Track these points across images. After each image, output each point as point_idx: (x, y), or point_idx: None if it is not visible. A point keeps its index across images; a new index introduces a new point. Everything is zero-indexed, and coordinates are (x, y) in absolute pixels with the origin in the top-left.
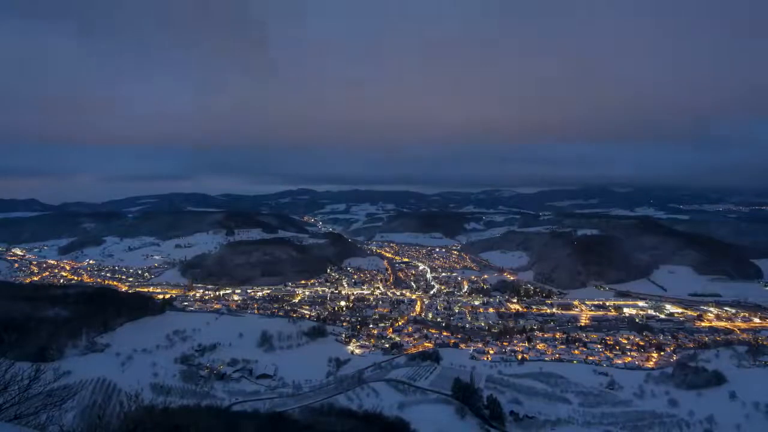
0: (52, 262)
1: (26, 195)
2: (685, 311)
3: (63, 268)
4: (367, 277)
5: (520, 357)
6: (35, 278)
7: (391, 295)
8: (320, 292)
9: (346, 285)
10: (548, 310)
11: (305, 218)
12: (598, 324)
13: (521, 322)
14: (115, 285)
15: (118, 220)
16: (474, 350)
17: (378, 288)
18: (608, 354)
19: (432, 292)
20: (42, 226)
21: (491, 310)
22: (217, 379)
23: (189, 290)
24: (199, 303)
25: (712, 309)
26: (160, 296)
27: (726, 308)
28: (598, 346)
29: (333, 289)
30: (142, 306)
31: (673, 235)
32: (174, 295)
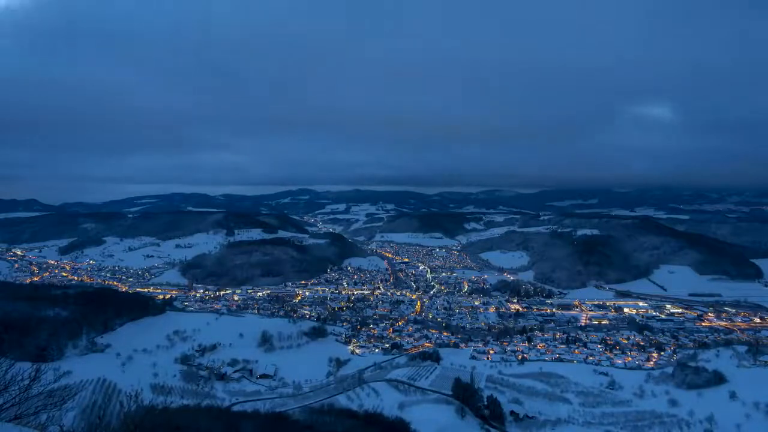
0: (52, 262)
1: (26, 195)
2: (685, 311)
3: (63, 269)
4: (367, 277)
5: (520, 357)
6: (35, 278)
7: (391, 295)
8: (320, 292)
9: (346, 285)
10: (548, 310)
11: (305, 218)
12: (598, 324)
13: (521, 322)
14: (115, 285)
15: (118, 220)
16: (474, 350)
17: (378, 288)
18: (608, 354)
19: (432, 292)
20: (42, 226)
21: (491, 310)
22: (218, 380)
23: (189, 290)
24: (199, 303)
25: (712, 309)
26: (161, 296)
27: (726, 308)
28: (598, 346)
29: (333, 289)
30: (142, 306)
31: (673, 235)
32: (174, 295)
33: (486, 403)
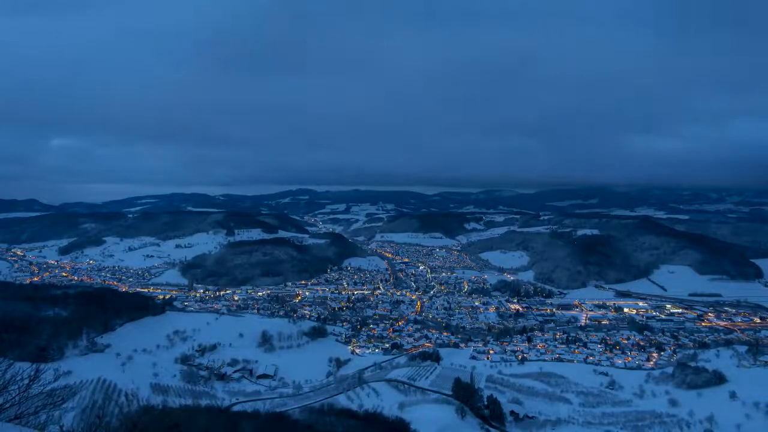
0: (52, 262)
1: (26, 195)
2: (686, 311)
3: (63, 269)
4: (367, 277)
5: (520, 357)
6: (35, 278)
7: (391, 295)
8: (320, 292)
9: (346, 285)
10: (548, 310)
11: (305, 218)
12: (598, 324)
13: (521, 322)
14: (115, 285)
15: (118, 220)
16: (474, 350)
17: (378, 288)
18: (608, 354)
19: (432, 292)
20: (42, 226)
21: (491, 310)
22: (218, 379)
23: (189, 290)
24: (199, 303)
25: (712, 309)
26: (161, 296)
27: (726, 308)
28: (598, 346)
29: (333, 289)
30: (142, 306)
31: (673, 235)
32: (174, 295)
33: (486, 403)
